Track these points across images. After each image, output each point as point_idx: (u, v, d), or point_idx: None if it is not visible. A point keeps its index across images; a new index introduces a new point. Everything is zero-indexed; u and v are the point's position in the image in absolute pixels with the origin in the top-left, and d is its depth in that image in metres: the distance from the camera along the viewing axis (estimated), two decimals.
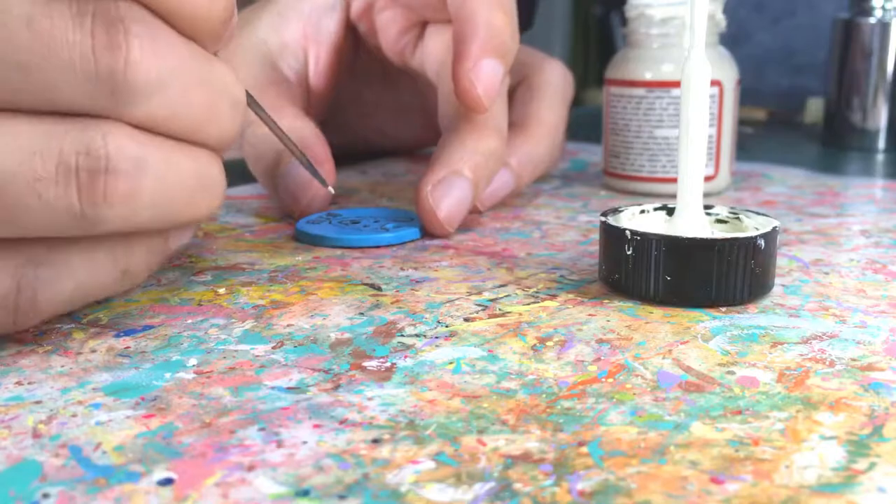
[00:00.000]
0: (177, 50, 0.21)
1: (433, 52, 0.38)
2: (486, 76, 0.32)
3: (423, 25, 0.40)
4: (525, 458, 0.16)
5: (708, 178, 0.41)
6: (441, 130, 0.35)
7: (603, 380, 0.20)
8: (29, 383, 0.20)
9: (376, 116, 0.49)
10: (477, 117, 0.34)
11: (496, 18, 0.33)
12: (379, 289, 0.27)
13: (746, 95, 0.69)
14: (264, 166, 0.35)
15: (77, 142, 0.19)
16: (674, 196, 0.27)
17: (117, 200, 0.20)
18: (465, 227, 0.35)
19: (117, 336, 0.23)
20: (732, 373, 0.20)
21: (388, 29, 0.40)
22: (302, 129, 0.36)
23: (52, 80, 0.19)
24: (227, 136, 0.23)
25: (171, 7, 0.20)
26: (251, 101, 0.26)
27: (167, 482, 0.16)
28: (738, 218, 0.28)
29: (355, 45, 0.43)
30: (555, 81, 0.42)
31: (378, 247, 0.32)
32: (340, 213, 0.35)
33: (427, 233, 0.33)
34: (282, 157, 0.35)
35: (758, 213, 0.27)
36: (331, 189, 0.33)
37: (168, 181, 0.21)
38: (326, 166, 0.35)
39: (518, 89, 0.41)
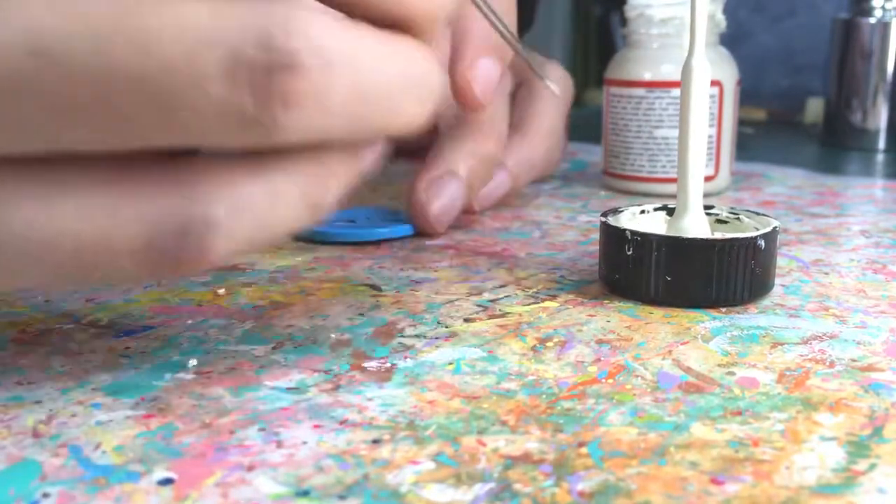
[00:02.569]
0: None
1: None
2: (483, 75, 0.32)
3: None
4: (525, 458, 0.16)
5: (708, 178, 0.41)
6: (440, 131, 0.35)
7: (603, 380, 0.20)
8: (29, 383, 0.20)
9: None
10: (475, 119, 0.34)
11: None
12: (379, 289, 0.27)
13: (746, 95, 0.69)
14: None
15: (253, 28, 0.16)
16: (674, 196, 0.27)
17: (301, 103, 0.16)
18: (465, 227, 0.35)
19: (117, 336, 0.23)
20: (732, 373, 0.20)
21: None
22: None
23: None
24: (435, 15, 0.19)
25: None
26: None
27: (167, 482, 0.16)
28: (738, 218, 0.28)
29: None
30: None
31: (371, 242, 0.32)
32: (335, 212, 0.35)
33: (418, 231, 0.33)
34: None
35: (758, 213, 0.27)
36: None
37: (364, 79, 0.17)
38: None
39: (518, 92, 0.41)
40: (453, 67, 0.32)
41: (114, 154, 0.17)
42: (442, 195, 0.33)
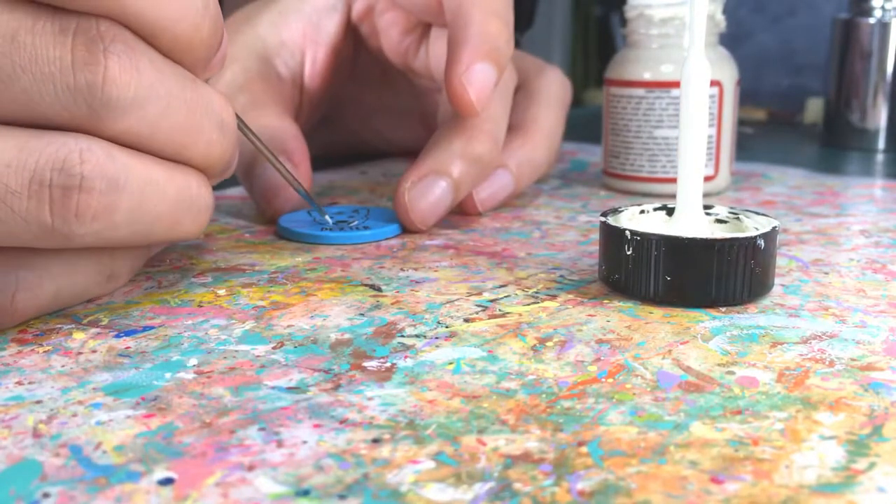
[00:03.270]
0: (157, 68, 0.21)
1: (440, 54, 0.38)
2: (479, 80, 0.32)
3: (425, 27, 0.40)
4: (525, 457, 0.16)
5: (708, 178, 0.41)
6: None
7: (603, 380, 0.20)
8: (29, 383, 0.20)
9: (374, 118, 0.49)
10: (470, 120, 0.34)
11: (491, 25, 0.33)
12: (379, 289, 0.27)
13: (746, 95, 0.69)
14: (242, 167, 0.35)
15: (53, 157, 0.19)
16: (674, 196, 0.27)
17: (90, 217, 0.20)
18: (465, 227, 0.35)
19: (118, 336, 0.23)
20: (732, 373, 0.20)
21: (390, 31, 0.40)
22: (280, 128, 0.36)
23: (32, 91, 0.19)
24: (214, 157, 0.23)
25: (154, 29, 0.21)
26: (241, 124, 0.27)
27: (167, 482, 0.16)
28: (737, 218, 0.28)
29: (356, 47, 0.43)
30: (553, 87, 0.42)
31: (368, 242, 0.32)
32: (327, 211, 0.35)
33: (404, 229, 0.34)
34: (257, 158, 0.35)
35: (757, 213, 0.27)
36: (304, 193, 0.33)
37: (147, 200, 0.21)
38: (302, 168, 0.35)
39: (517, 94, 0.41)
40: (449, 72, 0.32)
41: None
42: (427, 194, 0.33)
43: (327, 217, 0.34)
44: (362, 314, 0.24)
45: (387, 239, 0.33)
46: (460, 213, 0.36)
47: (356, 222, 0.34)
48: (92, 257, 0.23)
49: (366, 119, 0.49)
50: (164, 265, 0.29)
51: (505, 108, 0.37)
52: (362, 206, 0.37)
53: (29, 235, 0.20)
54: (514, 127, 0.39)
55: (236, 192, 0.41)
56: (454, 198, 0.33)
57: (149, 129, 0.21)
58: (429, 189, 0.33)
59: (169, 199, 0.22)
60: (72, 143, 0.20)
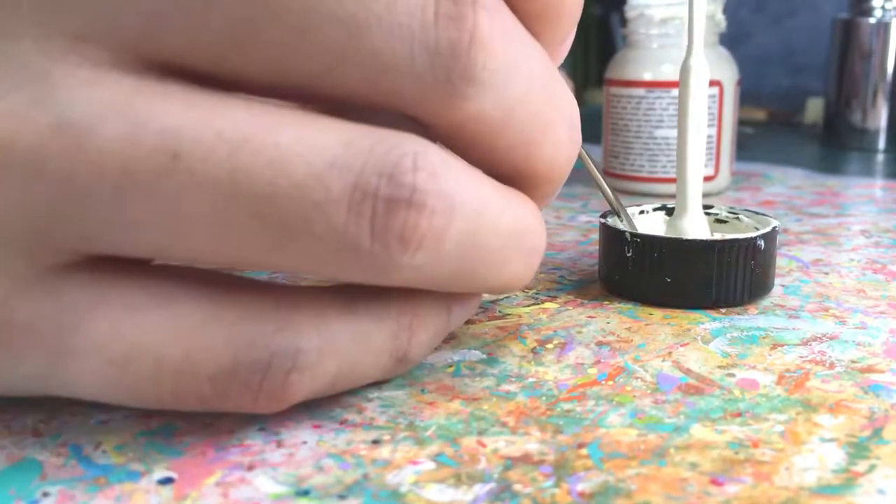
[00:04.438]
0: (521, 38, 0.16)
1: None
2: None
3: None
4: (525, 459, 0.16)
5: (708, 178, 0.41)
6: None
7: (603, 382, 0.20)
8: None
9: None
10: None
11: None
12: None
13: (746, 95, 0.69)
14: None
15: (383, 159, 0.15)
16: (673, 196, 0.27)
17: (416, 243, 0.15)
18: None
19: None
20: (732, 375, 0.20)
21: None
22: None
23: (384, 50, 0.15)
24: (557, 166, 0.18)
25: None
26: None
27: (167, 481, 0.16)
28: (737, 218, 0.28)
29: None
30: None
31: None
32: None
33: None
34: None
35: (757, 213, 0.27)
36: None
37: (479, 229, 0.16)
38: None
39: None
40: None
41: (210, 270, 0.16)
42: None
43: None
44: None
45: None
46: None
47: None
48: (389, 329, 0.17)
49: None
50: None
51: None
52: None
53: (336, 262, 0.15)
54: None
55: None
56: None
57: (503, 116, 0.16)
58: None
59: (503, 229, 0.17)
60: (407, 145, 0.15)
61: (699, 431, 0.17)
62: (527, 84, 0.16)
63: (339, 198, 0.14)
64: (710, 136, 0.40)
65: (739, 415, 0.18)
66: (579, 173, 0.48)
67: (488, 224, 0.16)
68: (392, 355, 0.18)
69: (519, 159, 0.17)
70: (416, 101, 0.15)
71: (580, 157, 0.23)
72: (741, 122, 0.60)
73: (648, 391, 0.19)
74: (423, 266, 0.16)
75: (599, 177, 0.25)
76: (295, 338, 0.16)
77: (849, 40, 0.58)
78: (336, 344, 0.16)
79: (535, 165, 0.18)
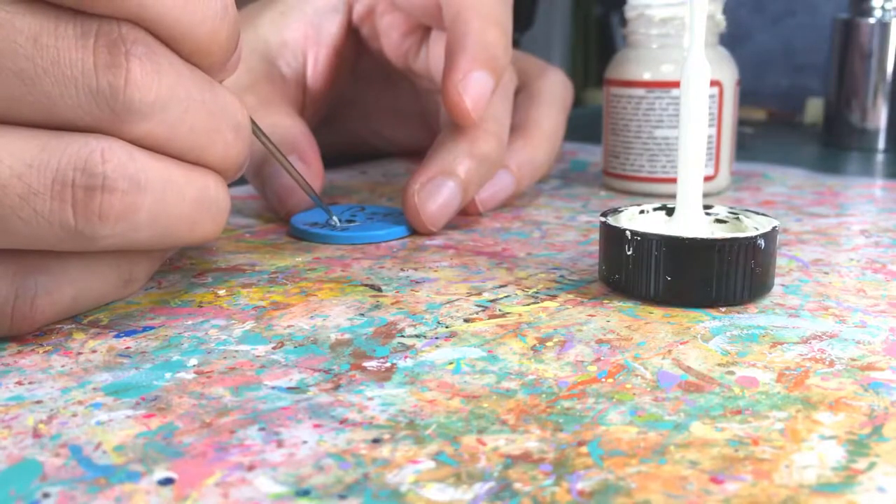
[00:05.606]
0: (177, 72, 0.21)
1: (440, 56, 0.38)
2: (475, 89, 0.32)
3: (426, 29, 0.40)
4: (525, 457, 0.16)
5: (708, 178, 0.41)
6: (439, 132, 0.36)
7: (603, 380, 0.20)
8: (29, 383, 0.20)
9: (375, 119, 0.49)
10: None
11: (489, 33, 0.33)
12: (379, 289, 0.27)
13: (746, 95, 0.69)
14: (253, 167, 0.35)
15: (75, 157, 0.19)
16: (674, 196, 0.27)
17: (113, 218, 0.20)
18: (465, 227, 0.35)
19: (118, 336, 0.23)
20: (732, 373, 0.20)
21: (391, 33, 0.40)
22: (291, 127, 0.36)
23: (54, 93, 0.19)
24: (230, 160, 0.23)
25: (174, 33, 0.21)
26: (253, 126, 0.27)
27: (167, 482, 0.16)
28: (737, 218, 0.28)
29: (357, 48, 0.43)
30: (555, 88, 0.42)
31: (370, 243, 0.32)
32: (334, 211, 0.35)
33: (413, 231, 0.34)
34: (267, 158, 0.35)
35: (757, 213, 0.27)
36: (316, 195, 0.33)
37: (167, 201, 0.21)
38: (314, 167, 0.35)
39: (519, 95, 0.41)
40: (446, 80, 0.32)
41: None
42: (436, 195, 0.33)
43: (335, 218, 0.34)
44: (362, 314, 0.24)
45: (397, 239, 0.33)
46: (461, 213, 0.36)
47: (359, 222, 0.34)
48: (110, 261, 0.22)
49: (366, 119, 0.49)
50: (165, 266, 0.29)
51: (506, 108, 0.37)
52: (367, 205, 0.37)
53: (52, 237, 0.20)
54: (516, 128, 0.39)
55: (237, 192, 0.41)
56: (463, 198, 0.33)
57: (169, 132, 0.21)
58: (437, 190, 0.33)
59: (188, 200, 0.22)
60: (93, 143, 0.20)
61: (699, 429, 0.17)
62: (184, 105, 0.21)
63: (40, 191, 0.19)
64: (710, 136, 0.40)
65: (739, 412, 0.18)
66: (580, 174, 0.48)
67: (175, 196, 0.21)
68: (120, 277, 0.23)
69: (195, 157, 0.22)
70: (95, 127, 0.20)
71: (259, 139, 0.28)
72: (741, 122, 0.60)
73: (648, 389, 0.19)
74: (124, 233, 0.20)
75: (273, 148, 0.30)
76: (33, 272, 0.21)
77: (849, 40, 0.58)
78: (68, 273, 0.21)
79: (210, 160, 0.23)
